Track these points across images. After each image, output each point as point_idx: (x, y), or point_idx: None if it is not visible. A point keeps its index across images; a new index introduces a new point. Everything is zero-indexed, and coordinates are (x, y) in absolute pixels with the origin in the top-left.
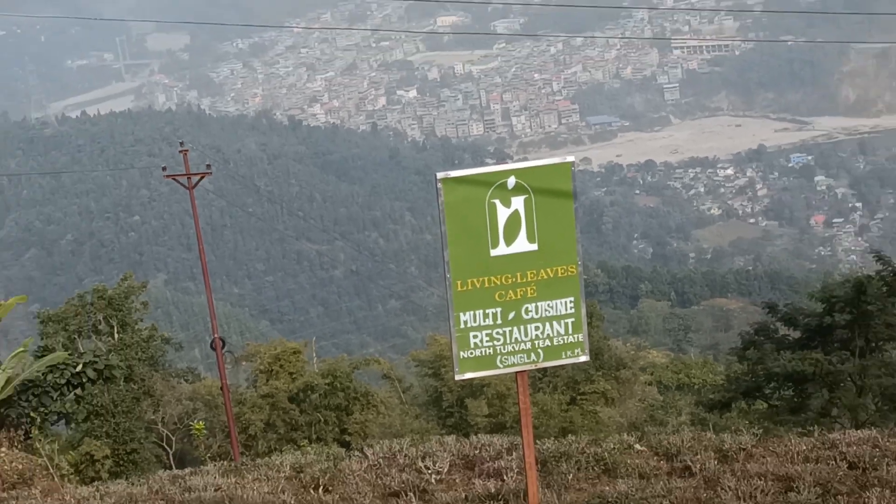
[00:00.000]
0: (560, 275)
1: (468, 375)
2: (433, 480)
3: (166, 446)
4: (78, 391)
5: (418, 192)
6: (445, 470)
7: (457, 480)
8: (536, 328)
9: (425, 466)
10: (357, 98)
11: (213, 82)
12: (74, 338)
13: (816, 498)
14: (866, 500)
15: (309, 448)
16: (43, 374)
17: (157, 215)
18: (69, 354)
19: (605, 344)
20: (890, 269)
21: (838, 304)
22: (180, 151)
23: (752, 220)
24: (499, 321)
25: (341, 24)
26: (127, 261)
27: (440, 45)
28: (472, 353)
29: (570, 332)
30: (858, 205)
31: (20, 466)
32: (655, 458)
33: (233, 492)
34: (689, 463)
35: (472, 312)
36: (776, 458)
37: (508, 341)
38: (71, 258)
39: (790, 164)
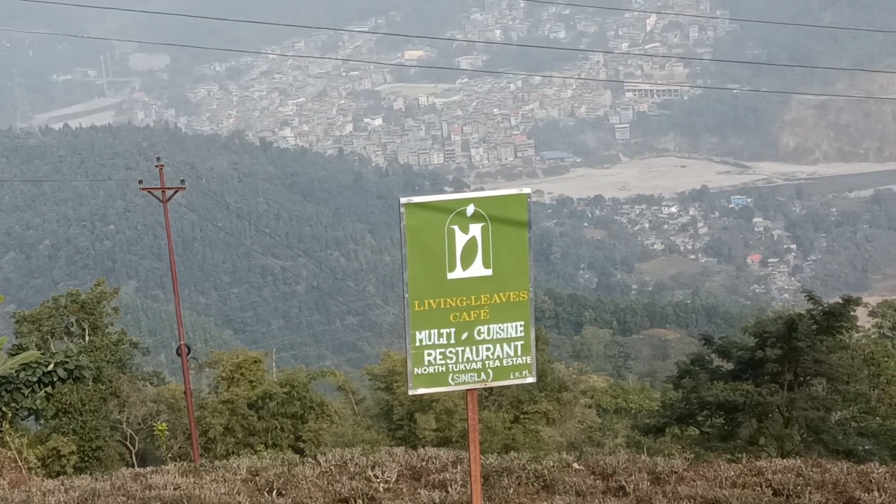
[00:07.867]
0: (512, 299)
1: (421, 391)
2: (381, 489)
3: (130, 445)
4: (48, 389)
5: (379, 216)
6: (393, 479)
7: (404, 490)
8: (488, 349)
9: (374, 475)
10: (326, 123)
11: (191, 102)
12: (47, 338)
13: None
14: None
15: (265, 453)
16: (16, 372)
17: (131, 226)
18: (42, 353)
19: (548, 367)
20: (820, 308)
21: (770, 340)
22: (156, 166)
23: (692, 257)
24: (452, 341)
25: (314, 53)
26: (101, 267)
27: (406, 77)
28: (425, 370)
29: (520, 354)
30: (793, 246)
31: None
32: (592, 477)
33: (191, 491)
34: (624, 483)
35: (427, 331)
36: (706, 482)
37: (461, 360)
38: (48, 262)
39: (730, 205)
